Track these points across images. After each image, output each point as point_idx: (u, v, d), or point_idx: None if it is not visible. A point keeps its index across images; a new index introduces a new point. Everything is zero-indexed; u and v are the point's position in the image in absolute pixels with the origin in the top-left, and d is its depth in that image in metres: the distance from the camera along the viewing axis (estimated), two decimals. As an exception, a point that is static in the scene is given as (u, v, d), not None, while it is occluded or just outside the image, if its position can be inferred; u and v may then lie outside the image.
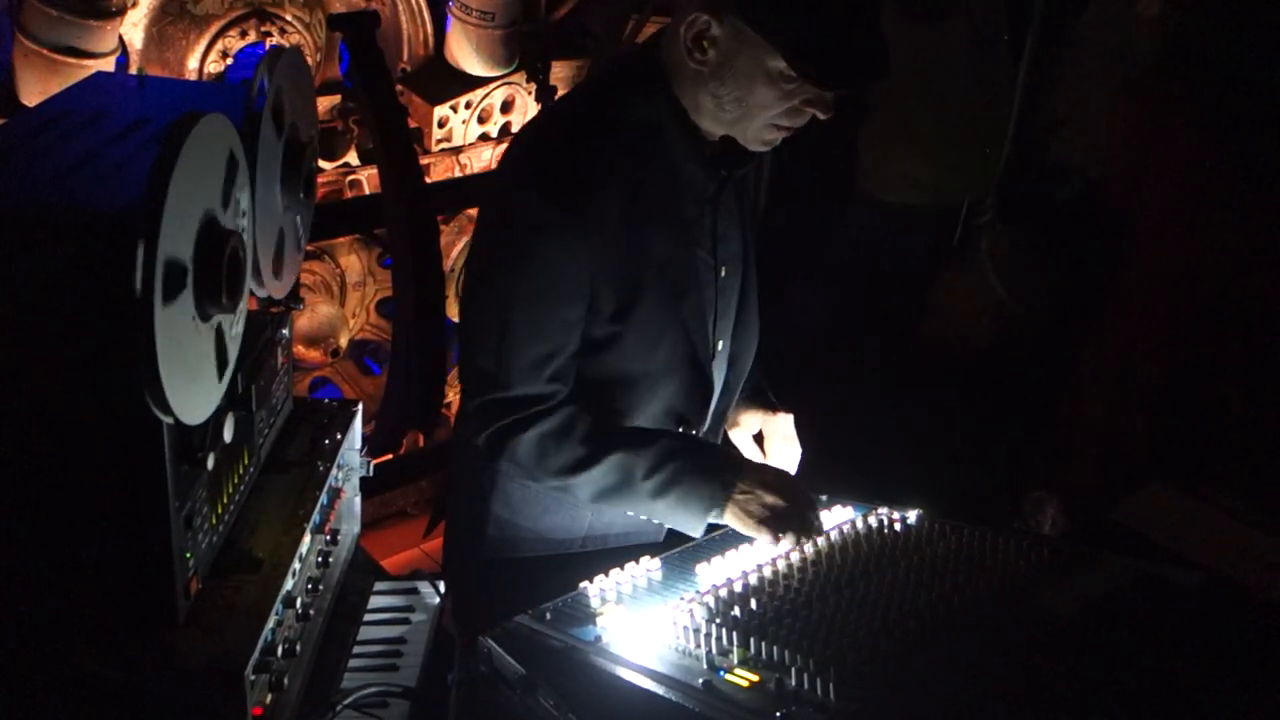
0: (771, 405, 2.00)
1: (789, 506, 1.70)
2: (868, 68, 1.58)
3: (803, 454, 1.98)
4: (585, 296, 1.67)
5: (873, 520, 1.81)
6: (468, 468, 1.90)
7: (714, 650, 1.41)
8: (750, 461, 1.83)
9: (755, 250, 1.94)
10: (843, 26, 1.55)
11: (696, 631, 1.44)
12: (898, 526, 1.79)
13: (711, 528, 1.78)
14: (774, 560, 1.65)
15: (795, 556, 1.67)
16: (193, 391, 1.18)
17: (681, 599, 1.56)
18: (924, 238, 3.25)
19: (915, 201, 3.20)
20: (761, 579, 1.60)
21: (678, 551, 1.75)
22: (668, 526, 1.81)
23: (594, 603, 1.56)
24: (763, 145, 1.70)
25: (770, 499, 1.70)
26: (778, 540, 1.68)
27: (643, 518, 1.83)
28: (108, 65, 2.37)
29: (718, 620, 1.46)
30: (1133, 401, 2.85)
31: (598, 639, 1.47)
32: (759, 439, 2.00)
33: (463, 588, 1.94)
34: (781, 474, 1.79)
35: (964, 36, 3.02)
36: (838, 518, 1.85)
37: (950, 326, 3.25)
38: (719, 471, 1.72)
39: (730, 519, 1.72)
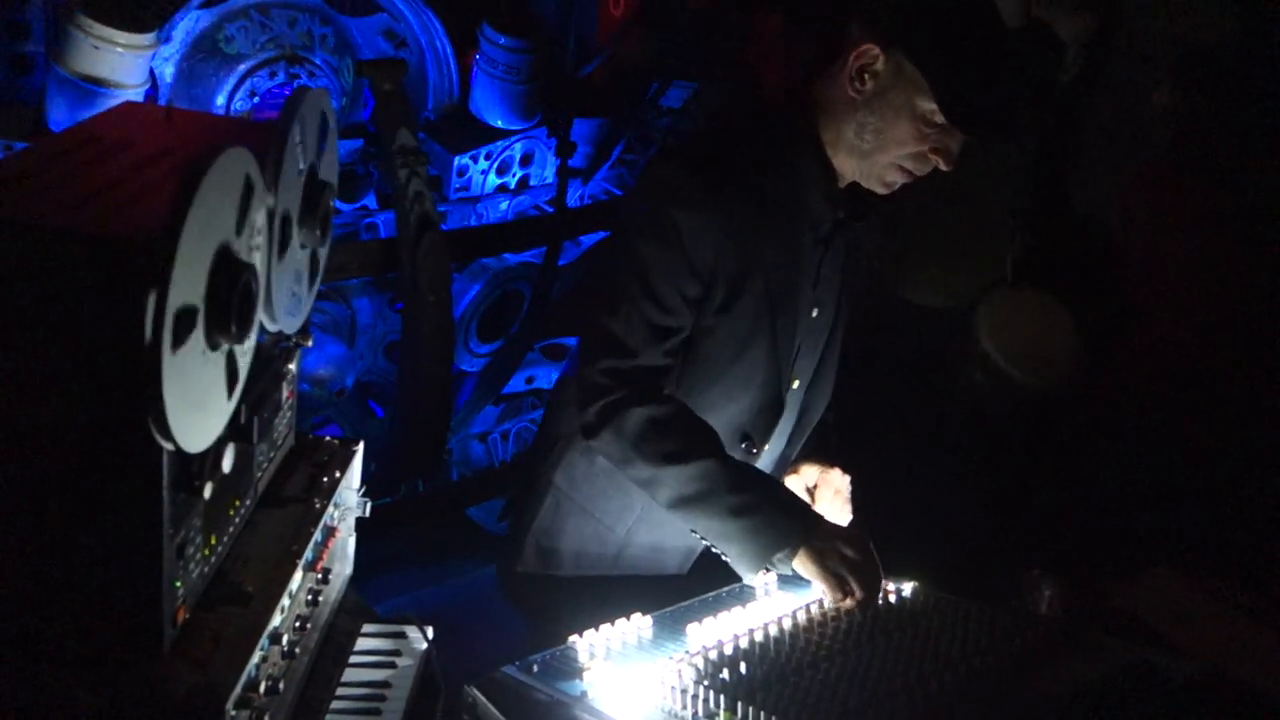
0: (830, 460, 2.04)
1: (864, 564, 1.72)
2: (1004, 123, 1.74)
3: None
4: (705, 280, 1.78)
5: (868, 590, 1.80)
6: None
7: (700, 712, 1.40)
8: (823, 517, 1.84)
9: (847, 311, 2.03)
10: (994, 80, 1.69)
11: (684, 692, 1.43)
12: (892, 598, 1.78)
13: (720, 577, 1.82)
14: (766, 625, 1.64)
15: (787, 623, 1.66)
16: (195, 419, 1.19)
17: (671, 658, 1.54)
18: (933, 329, 3.27)
19: (943, 305, 3.23)
20: (752, 643, 1.58)
21: (670, 611, 1.74)
22: (723, 556, 1.82)
23: (582, 657, 1.55)
24: (883, 187, 1.83)
25: (849, 553, 1.72)
26: (844, 596, 1.71)
27: (704, 541, 1.83)
28: (136, 96, 2.40)
29: (706, 682, 1.45)
30: (1137, 484, 2.84)
31: (584, 694, 1.46)
32: (812, 492, 2.02)
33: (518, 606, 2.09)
34: (855, 532, 1.80)
35: (994, 156, 3.07)
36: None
37: (956, 398, 3.24)
38: (803, 513, 1.77)
39: (801, 563, 1.73)
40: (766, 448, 1.98)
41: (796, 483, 2.04)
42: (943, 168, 1.76)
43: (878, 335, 3.24)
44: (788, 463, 2.08)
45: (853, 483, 2.03)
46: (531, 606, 2.12)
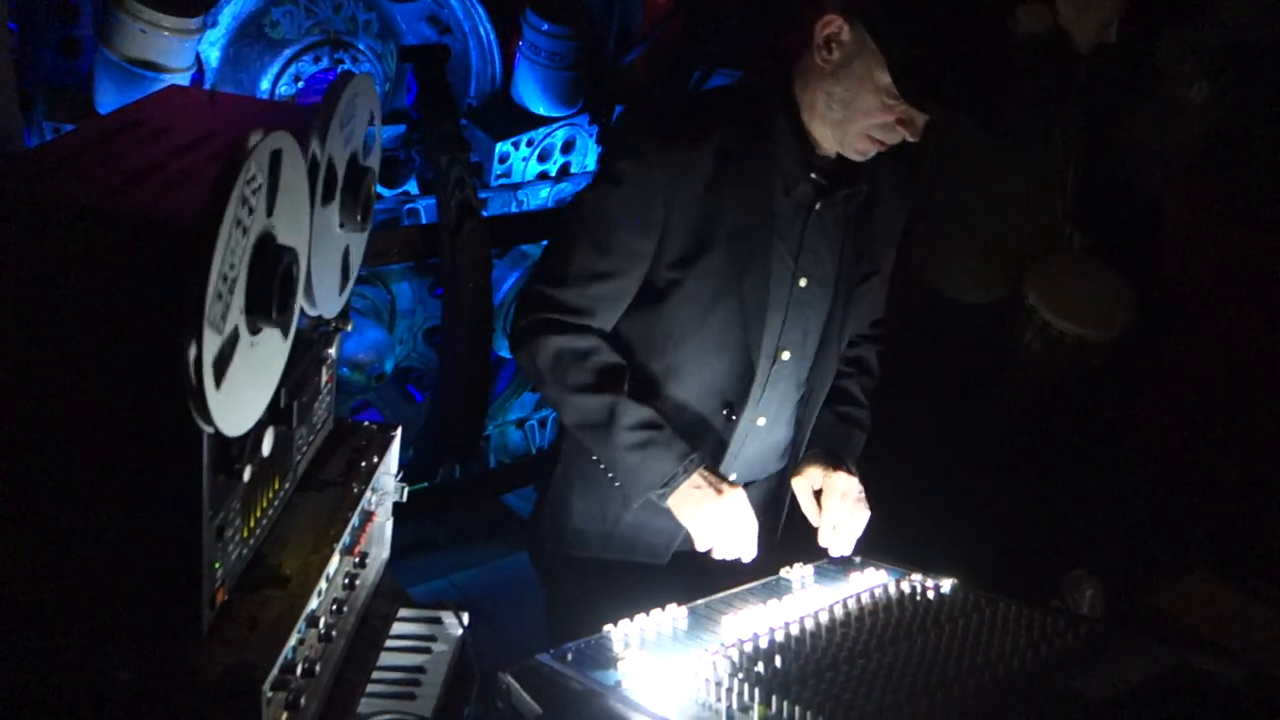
0: (837, 461, 2.00)
1: (729, 521, 1.84)
2: (958, 99, 1.69)
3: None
4: (656, 231, 1.81)
5: (905, 586, 1.78)
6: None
7: (734, 705, 1.39)
8: (712, 470, 1.89)
9: (851, 296, 1.99)
10: (949, 56, 1.67)
11: (718, 685, 1.42)
12: (930, 595, 1.76)
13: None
14: (802, 619, 1.62)
15: (824, 617, 1.65)
16: (235, 403, 1.19)
17: (706, 650, 1.54)
18: (975, 326, 3.23)
19: (978, 300, 3.19)
20: (788, 636, 1.57)
21: (704, 602, 1.73)
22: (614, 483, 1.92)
23: (616, 647, 1.55)
24: (857, 154, 1.83)
25: (718, 506, 1.83)
26: (708, 545, 1.84)
27: (602, 467, 1.93)
28: (182, 80, 2.42)
29: (740, 675, 1.44)
30: (1179, 485, 2.79)
31: (618, 684, 1.45)
32: (818, 495, 1.98)
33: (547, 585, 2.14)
34: (738, 493, 1.88)
35: (1034, 156, 3.04)
36: (870, 581, 1.82)
37: (1002, 395, 3.21)
38: (687, 457, 1.85)
39: (674, 504, 1.86)
40: (761, 421, 1.97)
41: (802, 485, 2.01)
42: (909, 139, 1.76)
43: (921, 334, 3.22)
44: (799, 450, 2.06)
45: (878, 481, 2.00)
46: (546, 580, 2.17)
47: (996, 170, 3.08)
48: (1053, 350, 2.95)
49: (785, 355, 1.94)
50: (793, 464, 2.06)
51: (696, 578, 1.87)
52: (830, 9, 1.74)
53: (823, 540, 1.92)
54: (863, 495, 1.97)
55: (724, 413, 1.92)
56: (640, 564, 2.04)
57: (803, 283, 1.90)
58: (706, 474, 1.86)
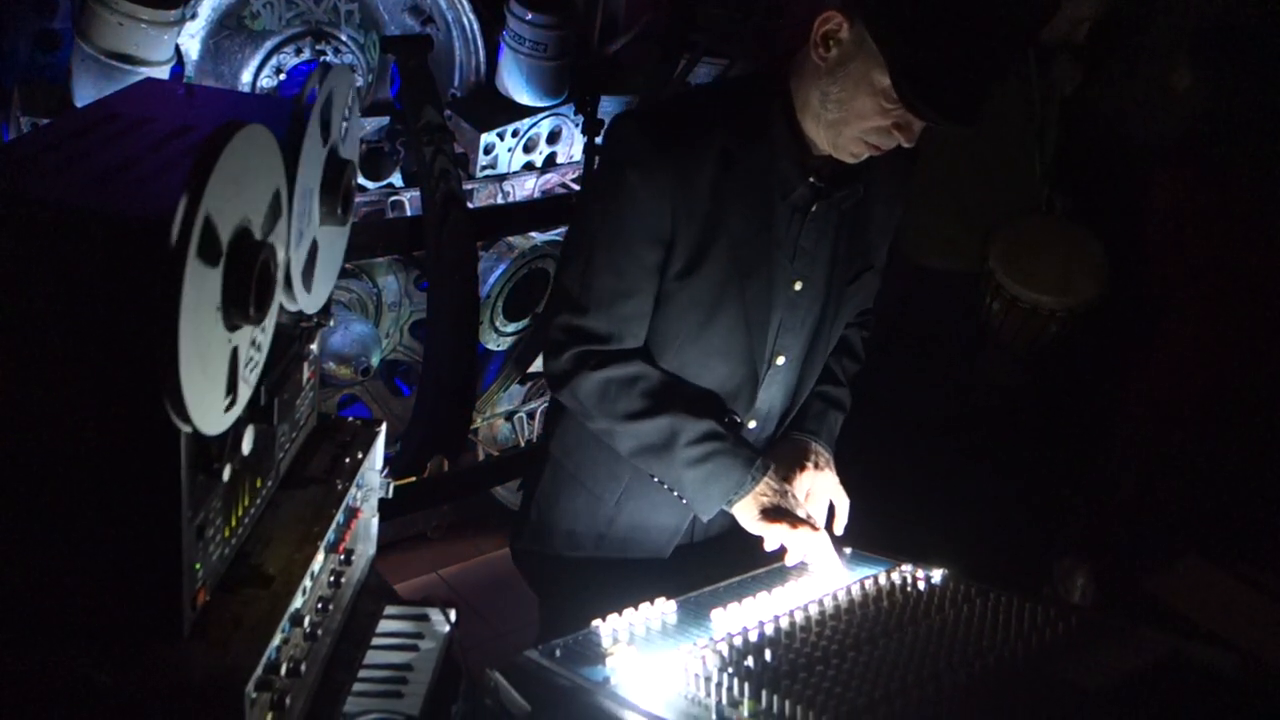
0: (804, 456, 1.98)
1: (799, 522, 1.80)
2: (958, 111, 1.62)
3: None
4: (664, 242, 1.77)
5: (896, 577, 1.78)
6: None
7: (724, 700, 1.38)
8: (773, 472, 1.87)
9: (843, 296, 1.97)
10: (953, 65, 1.60)
11: (708, 680, 1.41)
12: (921, 585, 1.75)
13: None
14: (792, 612, 1.61)
15: (814, 610, 1.64)
16: (213, 401, 1.17)
17: (695, 644, 1.53)
18: (956, 299, 3.22)
19: (955, 268, 3.17)
20: (778, 630, 1.56)
21: (694, 596, 1.72)
22: (688, 506, 1.89)
23: (605, 642, 1.54)
24: (850, 156, 1.78)
25: (789, 511, 1.81)
26: (782, 550, 1.80)
27: (665, 486, 1.89)
28: (161, 74, 2.39)
29: (730, 670, 1.43)
30: (1170, 471, 2.79)
31: (606, 680, 1.44)
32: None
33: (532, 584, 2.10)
34: (797, 495, 1.87)
35: (1013, 115, 3.02)
36: (860, 572, 1.81)
37: (987, 380, 3.20)
38: (753, 464, 1.82)
39: (741, 509, 1.82)
40: (752, 425, 1.95)
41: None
42: (904, 144, 1.71)
43: (903, 312, 3.20)
44: (785, 417, 2.03)
45: (866, 469, 1.99)
46: (534, 582, 2.15)
47: (974, 135, 3.05)
48: (1009, 314, 2.92)
49: (780, 360, 1.92)
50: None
51: (694, 570, 1.86)
52: (830, 5, 1.68)
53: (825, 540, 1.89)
54: (834, 484, 1.95)
55: (726, 420, 1.89)
56: (637, 560, 2.01)
57: (798, 286, 1.88)
58: (772, 478, 1.84)
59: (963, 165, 3.09)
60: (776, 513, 1.81)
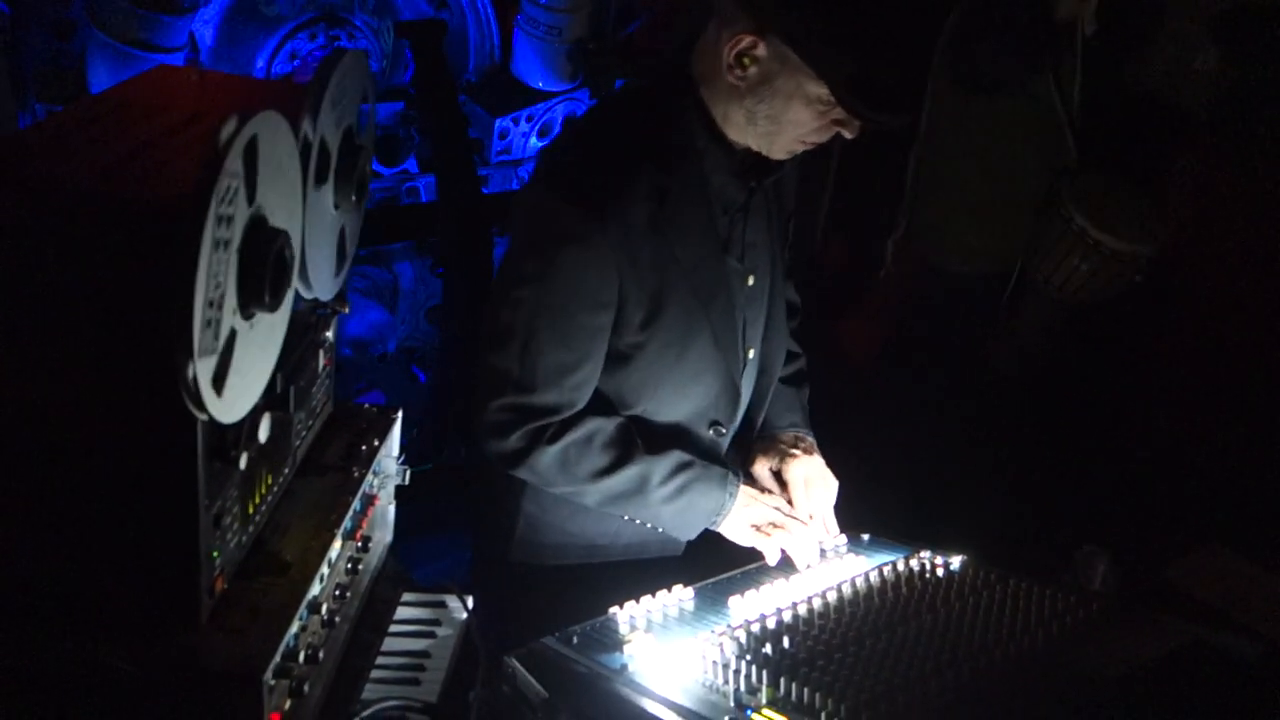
0: (793, 449, 1.95)
1: (784, 524, 1.78)
2: (907, 104, 1.60)
3: (844, 489, 1.93)
4: (612, 304, 1.68)
5: (915, 563, 1.77)
6: (496, 471, 1.89)
7: (742, 688, 1.37)
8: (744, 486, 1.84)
9: (785, 260, 1.95)
10: (891, 63, 1.55)
11: (725, 667, 1.40)
12: (940, 571, 1.74)
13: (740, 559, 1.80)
14: (809, 599, 1.61)
15: (832, 596, 1.63)
16: (229, 389, 1.17)
17: (712, 631, 1.52)
18: (976, 299, 3.20)
19: (973, 270, 3.15)
20: (796, 617, 1.56)
21: (711, 583, 1.72)
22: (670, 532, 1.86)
23: (622, 629, 1.53)
24: (786, 155, 1.72)
25: (769, 516, 1.79)
26: (777, 555, 1.76)
27: (637, 522, 1.85)
28: (176, 60, 2.39)
29: (748, 657, 1.43)
30: (1193, 458, 2.77)
31: (624, 667, 1.44)
32: (778, 477, 1.95)
33: (490, 595, 1.93)
34: (769, 494, 1.85)
35: (1022, 110, 2.99)
36: (879, 559, 1.80)
37: (1010, 364, 3.18)
38: (728, 480, 1.79)
39: (727, 532, 1.80)
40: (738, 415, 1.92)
41: (761, 470, 1.95)
42: (847, 136, 1.65)
43: (920, 309, 3.19)
44: (754, 428, 2.00)
45: (853, 454, 1.96)
46: (523, 586, 1.99)
47: (987, 135, 3.03)
48: (1101, 270, 2.87)
49: (751, 354, 1.89)
50: (752, 431, 2.00)
51: (701, 558, 1.84)
52: (739, 24, 1.59)
53: (815, 533, 1.87)
54: (823, 469, 1.92)
55: (710, 431, 1.86)
56: (650, 560, 1.98)
57: (751, 281, 1.84)
58: (749, 488, 1.81)
59: (970, 166, 3.07)
60: (764, 522, 1.79)
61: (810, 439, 1.99)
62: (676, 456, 1.78)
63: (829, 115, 1.62)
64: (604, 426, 1.75)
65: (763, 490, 1.91)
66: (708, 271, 1.74)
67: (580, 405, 1.75)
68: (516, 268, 1.71)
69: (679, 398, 1.81)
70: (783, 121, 1.63)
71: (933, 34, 1.67)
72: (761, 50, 1.58)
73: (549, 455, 1.73)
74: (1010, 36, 2.82)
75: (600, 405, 1.78)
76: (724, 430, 1.87)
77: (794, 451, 1.93)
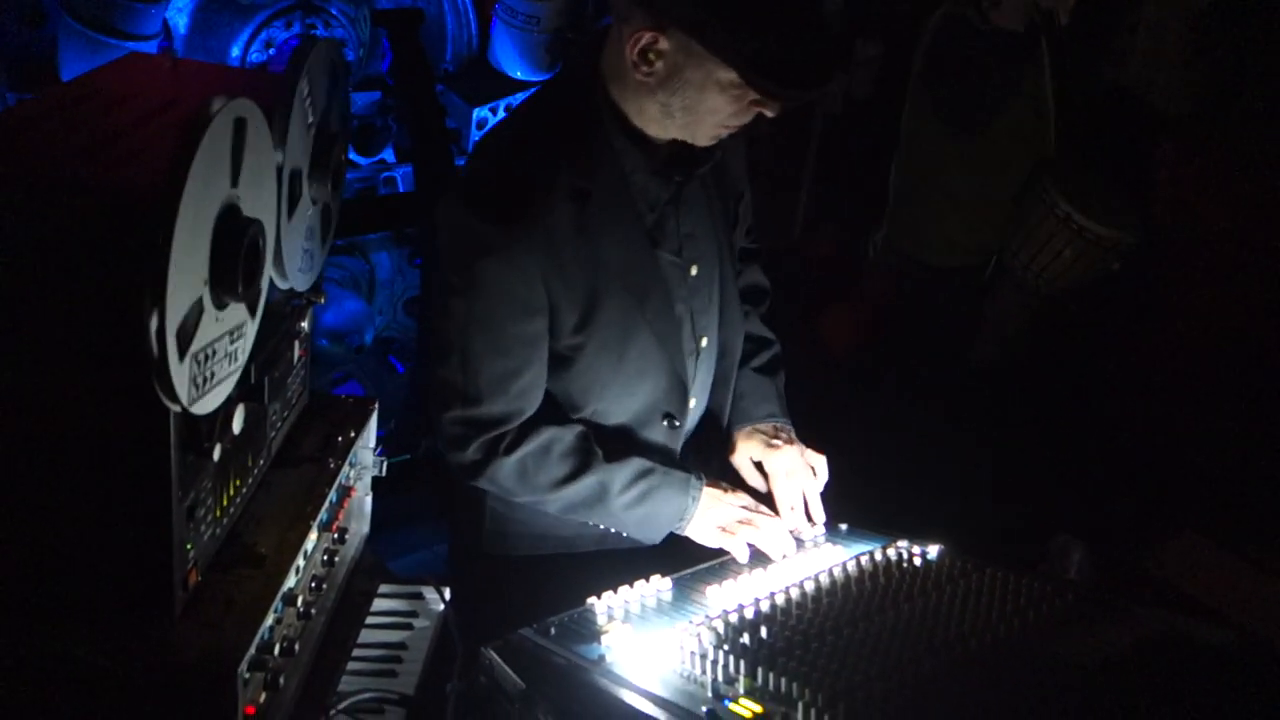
0: (771, 440, 1.95)
1: (751, 520, 1.77)
2: (820, 76, 1.56)
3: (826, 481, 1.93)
4: (543, 310, 1.68)
5: (891, 553, 1.77)
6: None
7: (720, 678, 1.37)
8: (708, 486, 1.83)
9: (735, 244, 1.93)
10: (794, 38, 1.53)
11: (703, 657, 1.40)
12: (917, 561, 1.75)
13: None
14: (787, 589, 1.61)
15: (810, 586, 1.63)
16: (203, 380, 1.16)
17: (690, 622, 1.52)
18: (956, 291, 3.22)
19: (957, 264, 3.17)
20: (774, 607, 1.56)
21: (689, 573, 1.71)
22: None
23: (600, 620, 1.53)
24: (711, 141, 1.70)
25: (735, 515, 1.78)
26: (746, 553, 1.75)
27: (601, 528, 1.85)
28: (149, 48, 2.37)
29: (725, 647, 1.43)
30: (1169, 447, 2.79)
31: (601, 658, 1.44)
32: (760, 468, 1.95)
33: (466, 587, 1.93)
34: (735, 492, 1.84)
35: (1012, 138, 3.01)
36: (855, 549, 1.81)
37: (988, 355, 3.20)
38: (690, 485, 1.79)
39: (694, 534, 1.79)
40: (693, 403, 1.91)
41: (742, 460, 1.95)
42: (769, 115, 1.62)
43: (901, 301, 3.20)
44: (724, 412, 1.99)
45: (830, 445, 1.95)
46: (498, 582, 1.97)
47: (968, 134, 3.05)
48: (1083, 255, 2.89)
49: (704, 342, 1.88)
50: (719, 424, 1.99)
51: (679, 548, 1.84)
52: (635, 24, 1.55)
53: (788, 523, 1.86)
54: (807, 457, 1.92)
55: (664, 424, 1.85)
56: (614, 550, 1.98)
57: (694, 271, 1.82)
58: (710, 487, 1.81)
59: (953, 163, 3.08)
60: (730, 521, 1.79)
61: (789, 428, 1.99)
62: (636, 464, 1.78)
63: (745, 98, 1.59)
64: (562, 436, 1.75)
65: (739, 483, 1.90)
66: (639, 271, 1.73)
67: (530, 410, 1.74)
68: (445, 279, 1.70)
69: (627, 396, 1.80)
70: (699, 111, 1.61)
71: (835, 15, 1.66)
72: (664, 44, 1.55)
73: (507, 466, 1.73)
74: (987, 36, 2.84)
75: (552, 409, 1.78)
76: (678, 422, 1.87)
77: (775, 442, 1.93)
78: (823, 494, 1.91)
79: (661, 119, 1.65)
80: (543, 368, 1.73)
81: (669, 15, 1.53)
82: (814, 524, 1.88)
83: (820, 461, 1.93)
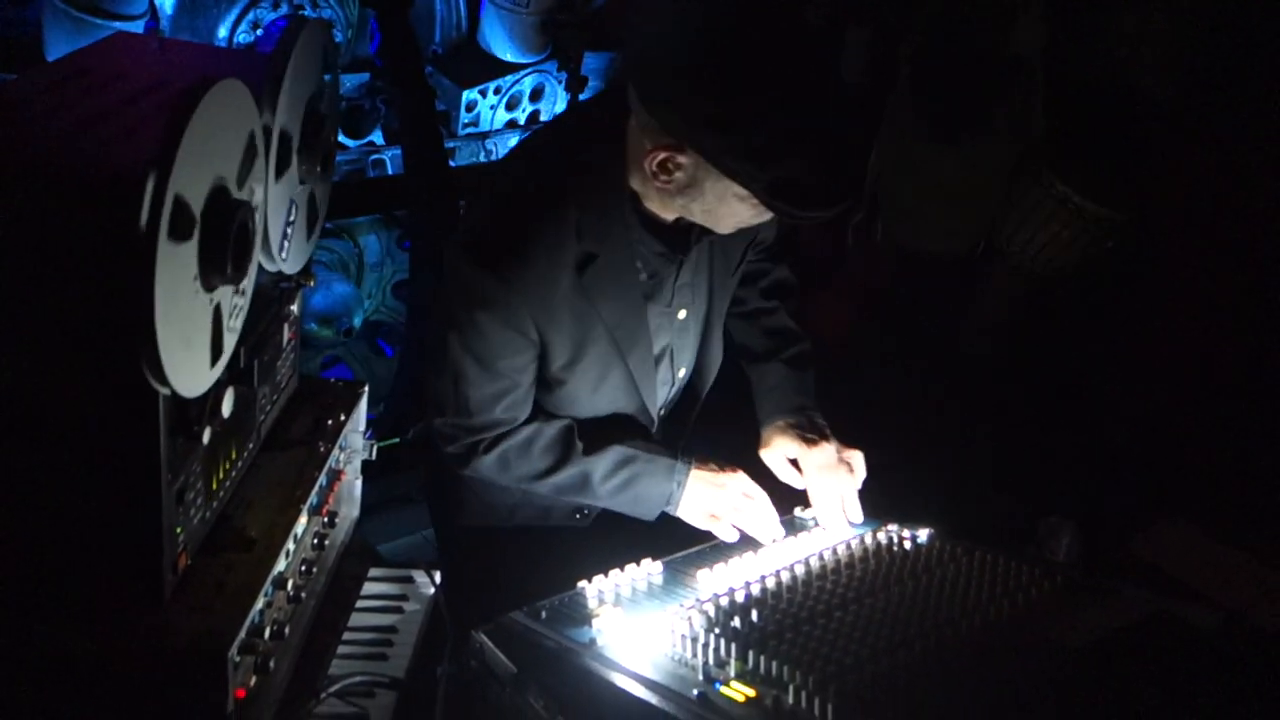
0: (807, 435, 1.94)
1: (742, 502, 1.79)
2: (840, 196, 1.54)
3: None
4: (535, 345, 1.73)
5: (882, 537, 1.78)
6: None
7: (711, 661, 1.38)
8: (697, 461, 1.85)
9: (726, 281, 1.92)
10: (814, 164, 1.50)
11: (694, 640, 1.40)
12: (907, 545, 1.76)
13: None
14: (778, 572, 1.61)
15: (800, 570, 1.63)
16: (191, 363, 1.15)
17: (681, 605, 1.52)
18: (945, 277, 3.22)
19: (949, 251, 3.16)
20: (764, 590, 1.56)
21: (680, 556, 1.72)
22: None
23: (591, 603, 1.53)
24: (732, 231, 1.69)
25: (726, 496, 1.80)
26: (735, 535, 1.78)
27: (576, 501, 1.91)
28: (135, 28, 2.35)
29: (716, 630, 1.43)
30: (1157, 432, 2.80)
31: (592, 641, 1.44)
32: (795, 463, 1.94)
33: (454, 565, 1.97)
34: (727, 473, 1.84)
35: (1001, 149, 3.00)
36: (846, 533, 1.81)
37: (978, 339, 3.20)
38: (675, 470, 1.81)
39: (684, 515, 1.82)
40: (657, 422, 1.93)
41: (774, 457, 1.94)
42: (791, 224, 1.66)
43: (890, 288, 3.20)
44: (698, 399, 2.01)
45: (853, 430, 1.95)
46: (482, 556, 2.02)
47: (981, 176, 3.05)
48: (1081, 235, 2.89)
49: (682, 372, 1.93)
50: (691, 414, 2.02)
51: (670, 530, 1.84)
52: (654, 137, 1.53)
53: (825, 523, 1.86)
54: (842, 453, 1.91)
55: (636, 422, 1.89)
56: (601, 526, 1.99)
57: (682, 315, 1.85)
58: (699, 470, 1.82)
59: (946, 151, 3.07)
60: (718, 505, 1.80)
61: (823, 422, 1.97)
62: (617, 453, 1.81)
63: (765, 208, 1.57)
64: (543, 430, 1.80)
65: (766, 475, 1.90)
66: (629, 324, 1.76)
67: (520, 420, 1.80)
68: (445, 306, 1.74)
69: (594, 425, 1.85)
70: (719, 214, 1.62)
71: (854, 131, 1.62)
72: (683, 159, 1.54)
73: (489, 460, 1.79)
74: (969, 70, 2.83)
75: (535, 407, 1.83)
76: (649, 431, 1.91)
77: (810, 437, 1.92)
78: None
79: (681, 213, 1.67)
80: (532, 386, 1.79)
81: (686, 140, 1.51)
82: (853, 521, 1.87)
83: (857, 458, 1.92)
